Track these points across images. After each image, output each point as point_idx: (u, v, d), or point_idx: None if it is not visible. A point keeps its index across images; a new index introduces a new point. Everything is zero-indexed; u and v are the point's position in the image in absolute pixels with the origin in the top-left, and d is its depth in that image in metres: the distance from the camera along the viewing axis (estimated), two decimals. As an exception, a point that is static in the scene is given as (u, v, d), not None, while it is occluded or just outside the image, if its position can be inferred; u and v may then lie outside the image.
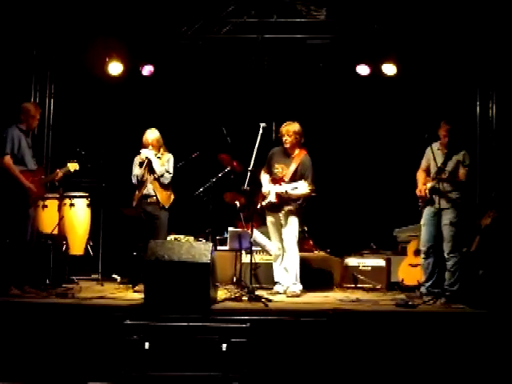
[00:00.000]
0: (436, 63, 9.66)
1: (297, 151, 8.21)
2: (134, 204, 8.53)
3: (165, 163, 8.47)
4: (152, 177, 8.45)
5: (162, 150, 8.56)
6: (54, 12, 9.32)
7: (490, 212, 8.23)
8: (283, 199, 8.05)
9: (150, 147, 8.43)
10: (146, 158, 8.38)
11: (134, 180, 8.49)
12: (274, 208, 8.16)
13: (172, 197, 8.56)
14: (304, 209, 8.17)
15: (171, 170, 8.51)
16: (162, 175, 8.41)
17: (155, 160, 8.40)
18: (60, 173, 8.08)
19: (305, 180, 7.87)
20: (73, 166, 8.17)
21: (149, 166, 8.42)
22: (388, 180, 10.52)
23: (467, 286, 7.61)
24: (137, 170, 8.47)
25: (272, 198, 8.07)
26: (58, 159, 9.08)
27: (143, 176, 8.44)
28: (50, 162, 9.83)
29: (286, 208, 8.06)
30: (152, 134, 8.49)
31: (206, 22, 9.71)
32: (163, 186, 8.47)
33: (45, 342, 6.32)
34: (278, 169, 8.16)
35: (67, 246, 8.91)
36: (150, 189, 8.45)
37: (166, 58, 10.04)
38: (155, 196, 8.42)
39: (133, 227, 8.70)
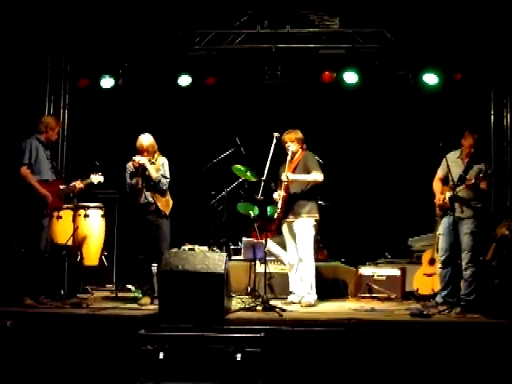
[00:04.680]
0: (449, 71, 9.61)
1: (298, 154, 8.24)
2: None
3: (160, 167, 8.03)
4: (147, 184, 7.96)
5: (156, 155, 8.10)
6: (68, 23, 9.40)
7: (506, 221, 8.18)
8: (293, 200, 8.07)
9: (145, 153, 7.95)
10: (140, 164, 7.90)
11: (128, 189, 8.07)
12: (287, 213, 8.12)
13: (171, 202, 8.13)
14: (319, 218, 8.14)
15: (167, 175, 8.04)
16: (158, 181, 7.94)
17: (150, 166, 7.92)
18: (82, 184, 8.04)
19: (313, 171, 8.01)
20: (96, 179, 8.11)
21: (143, 173, 7.96)
22: (402, 189, 10.51)
23: (483, 295, 7.56)
24: (130, 179, 8.04)
25: (281, 196, 8.08)
26: (73, 170, 9.11)
27: (138, 184, 7.97)
28: (65, 172, 9.84)
29: (299, 217, 8.03)
30: (147, 140, 7.98)
31: (219, 33, 9.76)
32: (161, 193, 8.01)
33: (59, 352, 6.32)
34: (282, 175, 8.08)
35: (82, 256, 8.91)
36: (148, 197, 7.97)
37: (179, 68, 10.03)
38: (154, 204, 7.97)
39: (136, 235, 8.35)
